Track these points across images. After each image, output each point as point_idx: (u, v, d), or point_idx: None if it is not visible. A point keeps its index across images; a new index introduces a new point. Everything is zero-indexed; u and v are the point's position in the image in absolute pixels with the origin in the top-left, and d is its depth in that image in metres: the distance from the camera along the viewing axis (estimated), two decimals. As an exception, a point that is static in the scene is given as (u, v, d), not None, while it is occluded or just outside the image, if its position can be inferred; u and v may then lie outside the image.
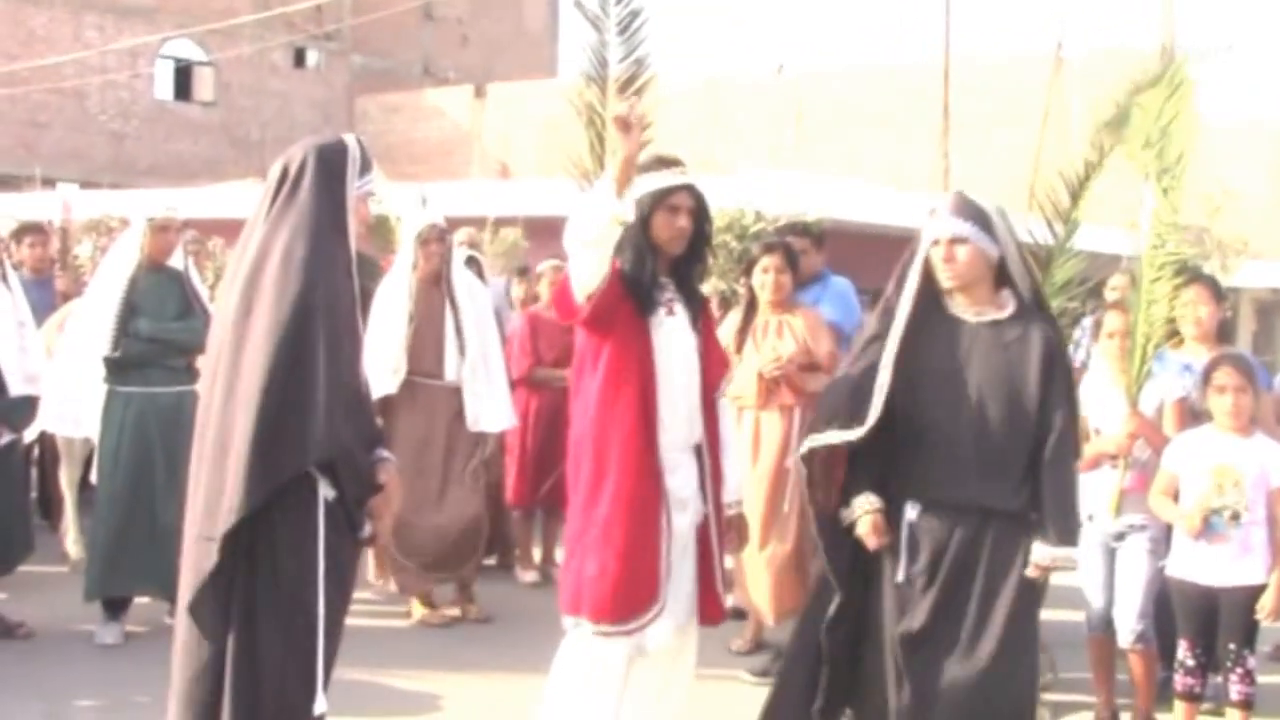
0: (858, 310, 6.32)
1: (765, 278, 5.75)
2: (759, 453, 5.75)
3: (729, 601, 4.45)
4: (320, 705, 3.22)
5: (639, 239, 3.78)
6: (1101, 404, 4.92)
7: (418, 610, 6.27)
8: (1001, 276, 3.82)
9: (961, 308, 3.82)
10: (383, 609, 6.35)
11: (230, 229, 4.70)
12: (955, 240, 3.75)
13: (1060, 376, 3.74)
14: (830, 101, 27.87)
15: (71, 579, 6.30)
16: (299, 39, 33.57)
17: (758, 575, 5.70)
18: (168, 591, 5.16)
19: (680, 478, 3.88)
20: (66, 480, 7.10)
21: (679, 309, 3.90)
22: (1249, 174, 24.32)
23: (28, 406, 5.80)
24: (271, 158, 3.58)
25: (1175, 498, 4.60)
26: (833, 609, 3.82)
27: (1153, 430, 4.83)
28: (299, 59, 34.71)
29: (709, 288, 9.66)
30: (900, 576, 3.76)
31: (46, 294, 7.70)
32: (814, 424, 3.94)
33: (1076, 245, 5.35)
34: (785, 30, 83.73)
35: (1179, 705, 4.59)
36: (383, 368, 5.91)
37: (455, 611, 6.34)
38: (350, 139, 3.42)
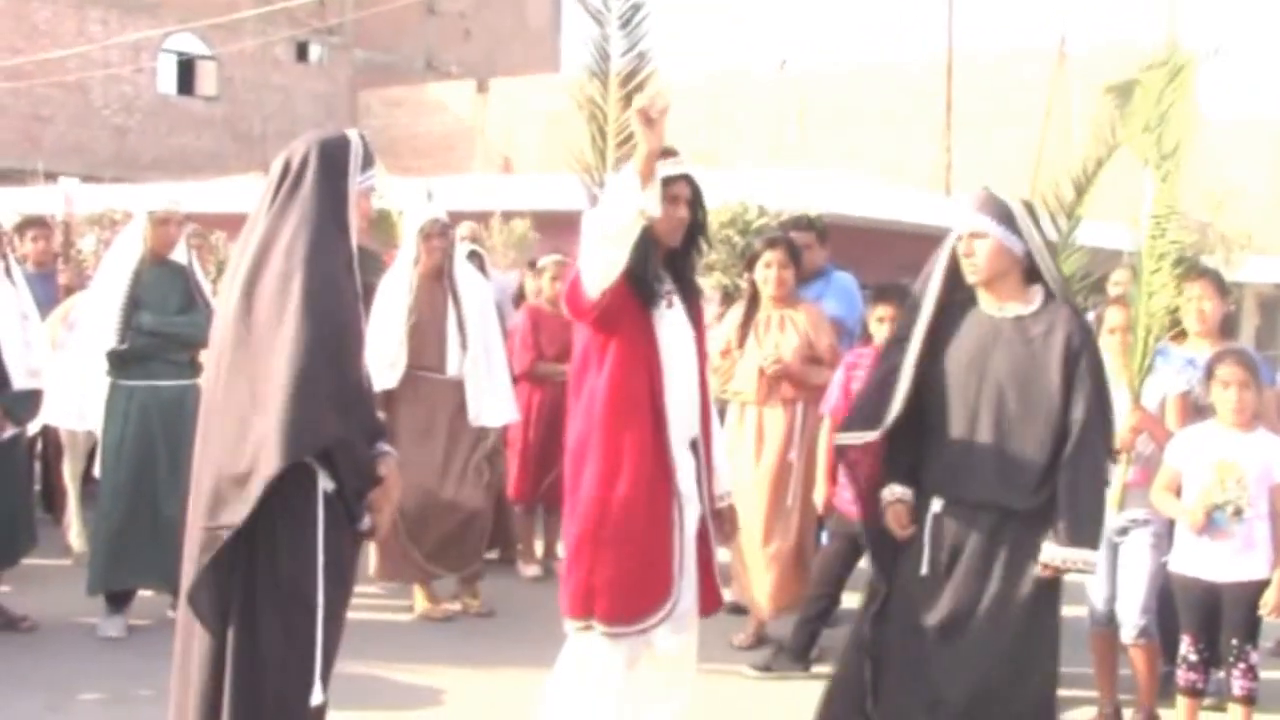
0: (860, 305, 6.32)
1: (767, 272, 5.75)
2: (762, 448, 5.74)
3: (726, 596, 4.44)
4: (318, 697, 3.21)
5: (641, 231, 3.77)
6: (1104, 399, 4.92)
7: (419, 604, 6.28)
8: (1032, 272, 3.81)
9: (987, 302, 3.83)
10: (385, 603, 6.35)
11: (233, 223, 4.70)
12: (975, 235, 3.76)
13: (1087, 373, 3.71)
14: (832, 98, 27.87)
15: (74, 572, 6.31)
16: (301, 33, 33.58)
17: (759, 570, 5.70)
18: (170, 585, 5.18)
19: (684, 472, 3.87)
20: (69, 474, 7.11)
21: (677, 301, 3.90)
22: (1250, 172, 24.33)
23: (31, 400, 5.81)
24: (274, 152, 3.58)
25: (1178, 493, 4.59)
26: (876, 604, 3.86)
27: (1155, 425, 4.83)
28: (301, 53, 34.74)
29: (712, 282, 9.66)
30: (924, 569, 3.78)
31: (49, 288, 7.70)
32: (847, 420, 4.01)
33: (1078, 240, 5.34)
34: (787, 27, 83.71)
35: (1181, 700, 4.58)
36: (382, 362, 5.91)
37: (457, 606, 6.35)
38: (352, 133, 3.42)
